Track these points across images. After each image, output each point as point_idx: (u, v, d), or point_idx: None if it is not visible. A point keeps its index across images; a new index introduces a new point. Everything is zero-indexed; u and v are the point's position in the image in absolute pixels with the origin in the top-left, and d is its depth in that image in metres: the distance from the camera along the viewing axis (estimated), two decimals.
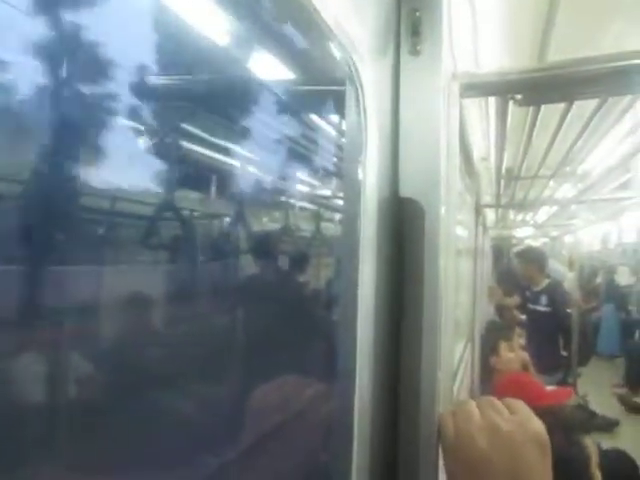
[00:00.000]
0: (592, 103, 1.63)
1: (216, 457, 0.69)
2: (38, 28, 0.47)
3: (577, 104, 1.52)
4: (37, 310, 0.50)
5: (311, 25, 0.50)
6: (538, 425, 0.63)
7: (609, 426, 4.94)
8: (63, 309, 0.54)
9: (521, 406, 0.66)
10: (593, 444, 1.53)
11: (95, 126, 0.57)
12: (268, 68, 0.77)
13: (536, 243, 8.71)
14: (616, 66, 0.84)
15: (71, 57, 0.51)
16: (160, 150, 0.71)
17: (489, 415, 0.63)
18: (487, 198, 3.65)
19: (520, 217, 7.65)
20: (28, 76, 0.47)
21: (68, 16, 0.48)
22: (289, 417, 0.73)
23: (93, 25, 0.51)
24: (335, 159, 0.87)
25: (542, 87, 1.00)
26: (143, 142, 0.68)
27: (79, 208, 0.58)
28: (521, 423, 0.62)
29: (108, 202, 0.62)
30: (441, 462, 0.68)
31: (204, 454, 0.67)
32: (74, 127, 0.54)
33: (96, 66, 0.53)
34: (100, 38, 0.52)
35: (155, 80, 0.76)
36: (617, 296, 8.15)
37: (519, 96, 1.11)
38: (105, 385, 0.60)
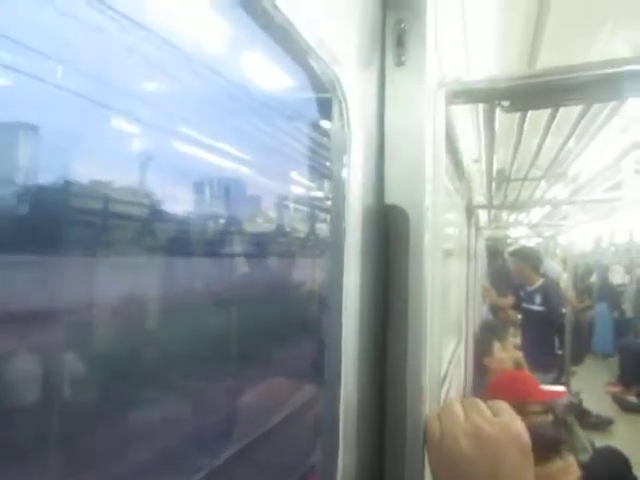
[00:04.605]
0: (579, 107, 1.65)
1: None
2: None
3: (565, 108, 1.54)
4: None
5: (292, 40, 0.51)
6: (520, 427, 0.65)
7: (603, 424, 4.98)
8: None
9: (504, 408, 0.68)
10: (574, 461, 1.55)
11: None
12: (256, 78, 0.79)
13: (530, 243, 8.75)
14: (602, 74, 0.85)
15: None
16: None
17: (473, 417, 0.65)
18: (481, 199, 3.67)
19: (513, 217, 7.69)
20: None
21: None
22: (270, 421, 0.75)
23: None
24: (323, 167, 0.89)
25: (528, 94, 1.01)
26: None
27: None
28: (503, 425, 0.64)
29: None
30: (427, 463, 0.70)
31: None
32: None
33: None
34: None
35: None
36: (611, 295, 8.19)
37: (506, 103, 1.13)
38: None
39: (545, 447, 1.47)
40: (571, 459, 1.54)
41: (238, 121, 0.79)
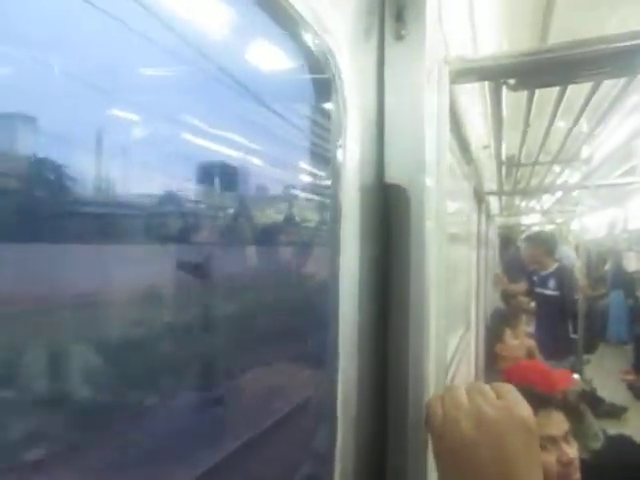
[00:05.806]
0: (588, 85, 1.61)
1: None
2: None
3: (573, 87, 1.50)
4: None
5: (283, 14, 0.49)
6: (525, 410, 0.63)
7: (617, 412, 4.93)
8: None
9: (509, 390, 0.66)
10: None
11: None
12: (250, 58, 0.77)
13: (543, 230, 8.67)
14: (615, 47, 0.81)
15: None
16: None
17: (476, 400, 0.63)
18: (492, 186, 3.62)
19: (524, 204, 7.61)
20: None
21: None
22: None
23: None
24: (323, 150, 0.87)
25: (536, 71, 0.98)
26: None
27: None
28: (507, 408, 0.62)
29: None
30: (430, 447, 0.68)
31: None
32: None
33: None
34: None
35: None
36: (625, 282, 8.08)
37: (512, 81, 1.09)
38: None
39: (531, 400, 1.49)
40: (560, 415, 1.55)
41: (228, 103, 0.78)
